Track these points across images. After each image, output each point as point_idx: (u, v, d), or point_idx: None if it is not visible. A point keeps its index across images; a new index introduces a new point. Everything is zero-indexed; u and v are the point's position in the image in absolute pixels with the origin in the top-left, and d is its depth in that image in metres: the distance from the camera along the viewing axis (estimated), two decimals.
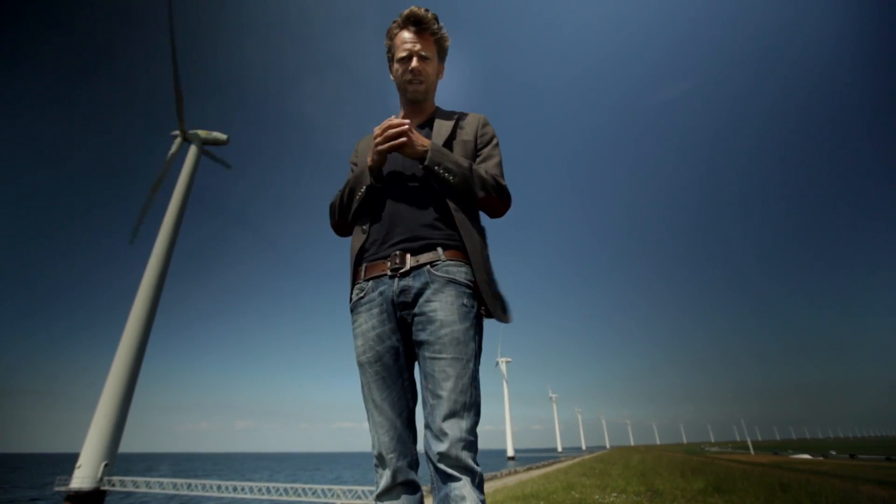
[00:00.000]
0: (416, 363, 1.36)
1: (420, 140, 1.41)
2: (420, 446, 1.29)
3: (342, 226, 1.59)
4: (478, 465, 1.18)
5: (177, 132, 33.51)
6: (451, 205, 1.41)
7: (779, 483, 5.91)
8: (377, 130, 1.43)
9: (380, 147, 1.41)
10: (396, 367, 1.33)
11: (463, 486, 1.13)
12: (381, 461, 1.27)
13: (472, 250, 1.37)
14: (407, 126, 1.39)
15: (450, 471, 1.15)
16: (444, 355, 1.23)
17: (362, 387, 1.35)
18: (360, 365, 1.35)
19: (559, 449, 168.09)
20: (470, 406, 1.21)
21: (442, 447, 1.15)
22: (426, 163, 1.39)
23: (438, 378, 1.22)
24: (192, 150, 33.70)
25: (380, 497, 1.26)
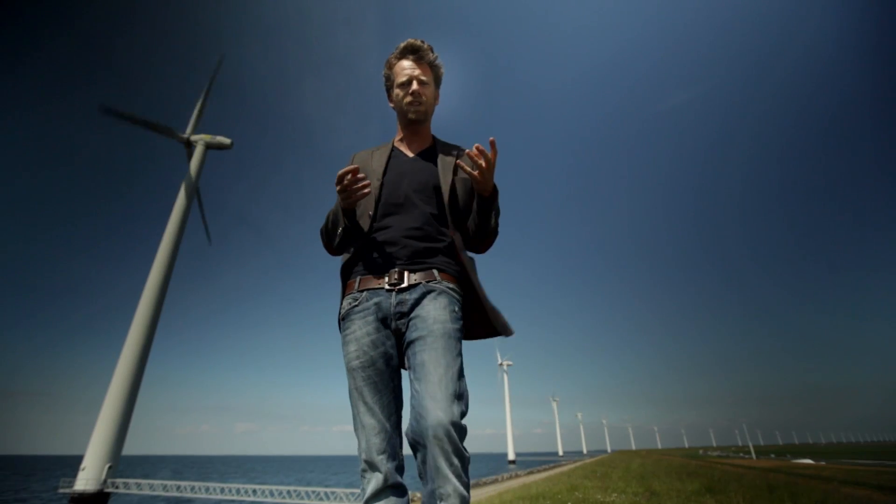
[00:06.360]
0: (406, 370, 1.39)
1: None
2: (406, 450, 1.30)
3: (333, 251, 1.64)
4: (466, 450, 1.18)
5: (183, 135, 33.90)
6: (453, 234, 1.51)
7: (767, 485, 6.17)
8: (344, 178, 1.40)
9: (348, 200, 1.44)
10: (388, 371, 1.37)
11: (447, 483, 1.13)
12: (370, 465, 1.27)
13: (471, 276, 1.48)
14: (495, 161, 1.40)
15: (438, 458, 1.13)
16: (435, 346, 1.28)
17: (351, 392, 1.36)
18: (352, 370, 1.37)
19: (560, 453, 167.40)
20: (458, 395, 1.23)
21: (427, 423, 1.16)
22: (492, 204, 1.48)
23: (429, 366, 1.25)
24: (197, 154, 34.04)
25: (369, 501, 1.25)
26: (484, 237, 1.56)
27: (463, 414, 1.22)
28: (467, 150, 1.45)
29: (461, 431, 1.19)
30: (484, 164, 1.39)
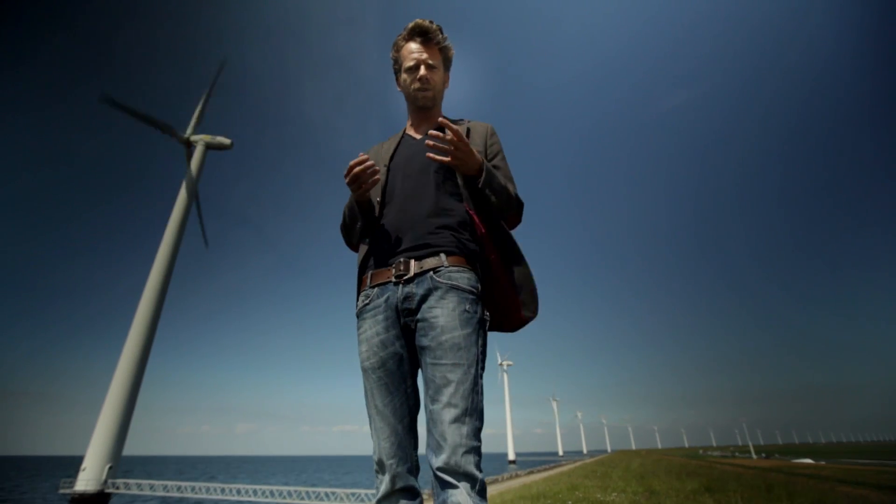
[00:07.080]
0: (420, 370, 1.34)
1: (476, 154, 1.38)
2: (422, 450, 1.28)
3: (355, 248, 1.62)
4: (480, 471, 1.15)
5: (184, 135, 33.90)
6: (468, 213, 1.43)
7: (765, 484, 6.23)
8: (353, 168, 1.39)
9: (358, 190, 1.43)
10: (399, 372, 1.32)
11: (459, 494, 1.10)
12: (381, 467, 1.26)
13: (508, 255, 1.43)
14: (459, 139, 1.32)
15: (448, 478, 1.13)
16: (444, 361, 1.22)
17: (365, 392, 1.33)
18: (364, 370, 1.34)
19: (560, 453, 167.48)
20: (471, 411, 1.19)
21: (441, 453, 1.14)
22: (480, 184, 1.39)
23: (439, 384, 1.21)
24: (197, 154, 34.05)
25: (379, 502, 1.25)
26: (497, 215, 1.48)
27: (476, 430, 1.19)
28: (428, 142, 1.36)
29: (472, 452, 1.15)
30: (451, 148, 1.33)
